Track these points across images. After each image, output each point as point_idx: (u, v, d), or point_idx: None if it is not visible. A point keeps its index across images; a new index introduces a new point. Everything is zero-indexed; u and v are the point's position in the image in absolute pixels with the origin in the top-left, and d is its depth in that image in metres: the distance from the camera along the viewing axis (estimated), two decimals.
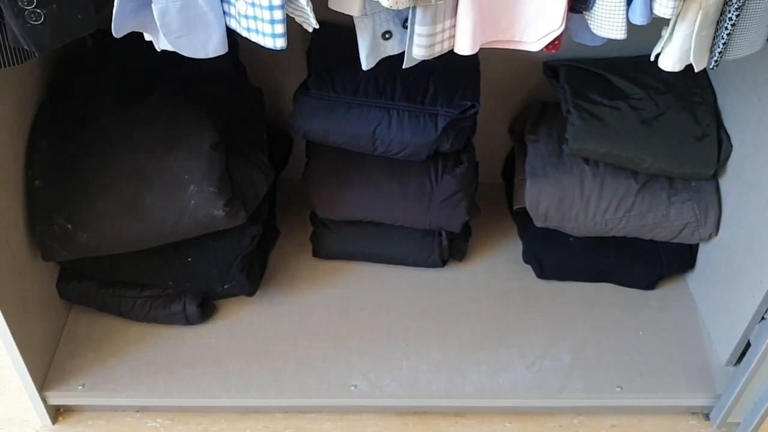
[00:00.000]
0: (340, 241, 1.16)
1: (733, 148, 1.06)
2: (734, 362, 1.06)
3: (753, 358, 0.98)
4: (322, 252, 1.18)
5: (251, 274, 1.07)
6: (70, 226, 0.93)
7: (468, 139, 1.09)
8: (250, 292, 1.09)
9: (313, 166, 1.11)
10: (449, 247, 1.16)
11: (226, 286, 1.05)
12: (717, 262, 1.11)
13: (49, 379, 1.02)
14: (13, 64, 0.69)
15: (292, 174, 1.21)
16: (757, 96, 1.00)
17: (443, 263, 1.18)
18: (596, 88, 1.10)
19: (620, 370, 1.06)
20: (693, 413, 1.08)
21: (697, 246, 1.16)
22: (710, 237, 1.11)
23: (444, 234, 1.15)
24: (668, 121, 1.07)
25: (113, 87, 0.98)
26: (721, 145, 1.06)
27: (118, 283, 1.05)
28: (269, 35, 0.62)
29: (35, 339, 0.99)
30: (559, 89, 1.12)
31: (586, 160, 1.10)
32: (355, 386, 1.03)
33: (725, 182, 1.09)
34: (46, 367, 1.03)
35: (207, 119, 0.96)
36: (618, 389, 1.04)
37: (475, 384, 1.04)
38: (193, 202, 0.92)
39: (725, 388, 1.04)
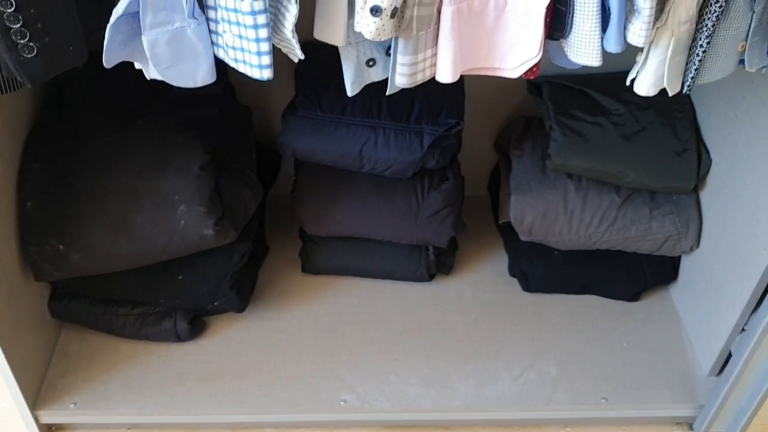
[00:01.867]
0: (328, 257, 1.18)
1: (713, 163, 1.09)
2: (717, 372, 1.08)
3: (734, 369, 1.00)
4: (311, 267, 1.19)
5: (241, 291, 1.08)
6: (61, 246, 0.94)
7: (453, 155, 1.11)
8: (240, 309, 1.10)
9: (301, 184, 1.13)
10: (436, 262, 1.18)
11: (216, 303, 1.07)
12: (699, 274, 1.13)
13: (41, 398, 1.03)
14: (6, 92, 0.70)
15: (282, 189, 1.23)
16: (734, 112, 1.02)
17: (430, 277, 1.20)
18: (578, 104, 1.12)
19: (605, 382, 1.08)
20: (677, 423, 1.10)
21: (679, 258, 1.18)
22: (692, 249, 1.13)
23: (431, 249, 1.17)
24: (649, 137, 1.10)
25: (104, 109, 1.00)
26: (700, 160, 1.09)
27: (110, 301, 1.06)
28: (256, 66, 0.63)
29: (27, 357, 1.00)
30: (542, 106, 1.14)
31: (570, 175, 1.12)
32: (345, 401, 1.04)
33: (705, 196, 1.11)
34: (38, 386, 1.04)
35: (197, 140, 0.97)
36: (603, 401, 1.06)
37: (463, 397, 1.05)
38: (183, 222, 0.94)
39: (708, 398, 1.06)
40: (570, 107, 1.12)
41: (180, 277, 1.03)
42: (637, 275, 1.18)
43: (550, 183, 1.12)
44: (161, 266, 1.01)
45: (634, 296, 1.19)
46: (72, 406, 1.02)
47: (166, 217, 0.94)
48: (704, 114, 1.12)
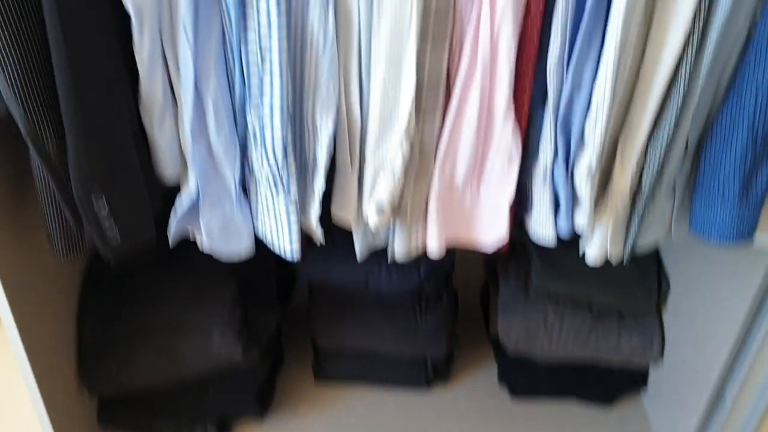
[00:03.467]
0: (338, 366, 1.33)
1: (671, 288, 1.25)
2: None
3: None
4: (323, 376, 1.35)
5: (262, 401, 1.24)
6: (114, 369, 1.10)
7: (447, 276, 1.28)
8: (261, 416, 1.25)
9: (315, 306, 1.29)
10: (434, 371, 1.33)
11: (240, 412, 1.22)
12: (664, 383, 1.27)
13: None
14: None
15: (297, 303, 1.39)
16: (687, 244, 1.19)
17: (429, 385, 1.35)
18: None
19: None
20: None
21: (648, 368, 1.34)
22: (657, 362, 1.28)
23: (429, 360, 1.32)
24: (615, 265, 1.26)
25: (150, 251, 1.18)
26: (660, 286, 1.25)
27: (150, 411, 1.21)
28: (289, 251, 0.81)
29: None
30: (524, 236, 1.31)
31: (549, 297, 1.28)
32: None
33: (666, 316, 1.26)
34: None
35: (229, 276, 1.15)
36: None
37: None
38: (217, 348, 1.11)
39: None
40: None
41: (210, 391, 1.19)
42: (610, 383, 1.33)
43: (532, 304, 1.28)
44: (195, 383, 1.17)
45: (608, 400, 1.33)
46: None
47: (203, 344, 1.10)
48: (664, 243, 1.28)
